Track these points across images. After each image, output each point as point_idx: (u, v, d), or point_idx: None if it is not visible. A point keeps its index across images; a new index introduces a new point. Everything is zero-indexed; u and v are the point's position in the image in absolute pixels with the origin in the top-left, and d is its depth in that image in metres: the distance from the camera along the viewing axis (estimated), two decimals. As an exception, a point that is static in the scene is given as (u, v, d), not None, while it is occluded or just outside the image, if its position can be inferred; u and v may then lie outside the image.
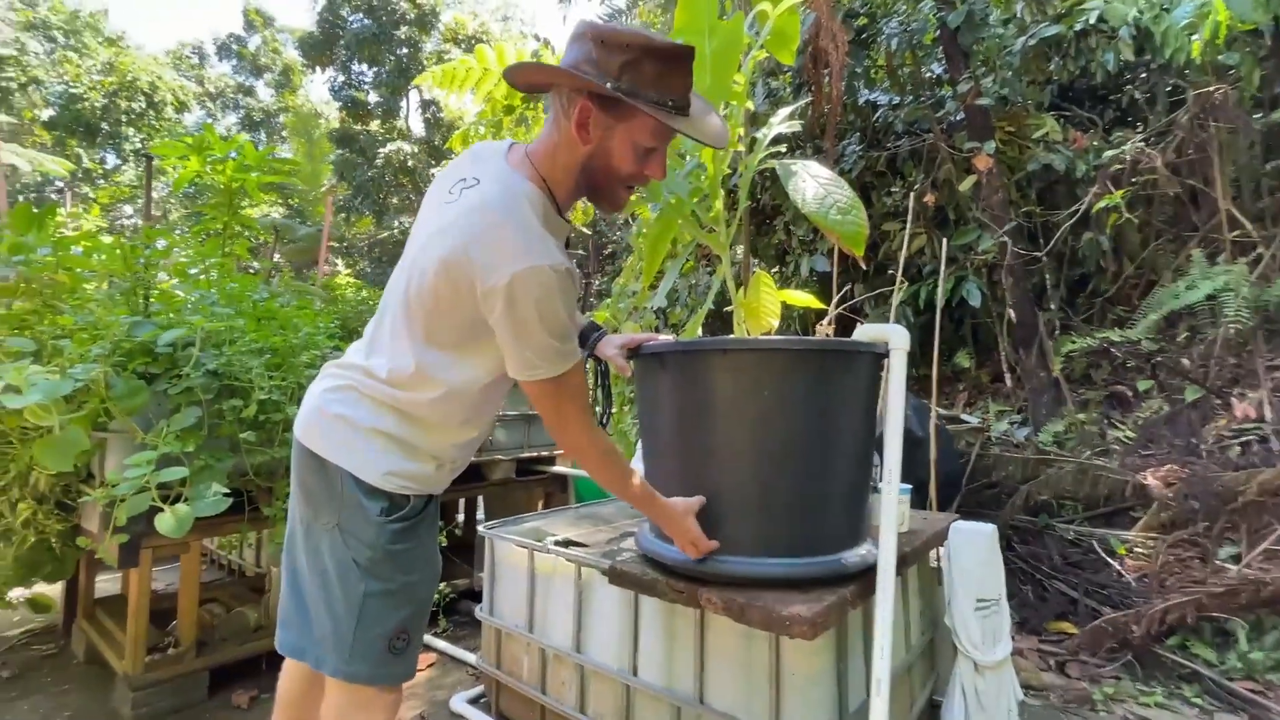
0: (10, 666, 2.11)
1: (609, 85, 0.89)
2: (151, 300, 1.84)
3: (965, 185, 3.93)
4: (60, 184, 15.63)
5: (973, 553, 1.64)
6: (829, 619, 1.06)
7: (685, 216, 1.10)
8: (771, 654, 1.20)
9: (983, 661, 1.60)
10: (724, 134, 1.02)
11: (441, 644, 2.24)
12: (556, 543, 1.64)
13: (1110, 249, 4.04)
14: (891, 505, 1.16)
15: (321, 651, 1.01)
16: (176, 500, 1.65)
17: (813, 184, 1.20)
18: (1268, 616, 2.23)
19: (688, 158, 1.11)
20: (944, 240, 2.59)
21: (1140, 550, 2.73)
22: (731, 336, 1.24)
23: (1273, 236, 3.61)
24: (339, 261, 13.77)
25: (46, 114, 15.55)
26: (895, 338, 1.20)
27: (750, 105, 1.16)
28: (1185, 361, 3.56)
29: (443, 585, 2.41)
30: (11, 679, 2.03)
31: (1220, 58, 3.57)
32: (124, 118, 15.77)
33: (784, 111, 1.16)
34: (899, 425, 1.19)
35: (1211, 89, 3.50)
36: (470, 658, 2.10)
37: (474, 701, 1.87)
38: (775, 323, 1.35)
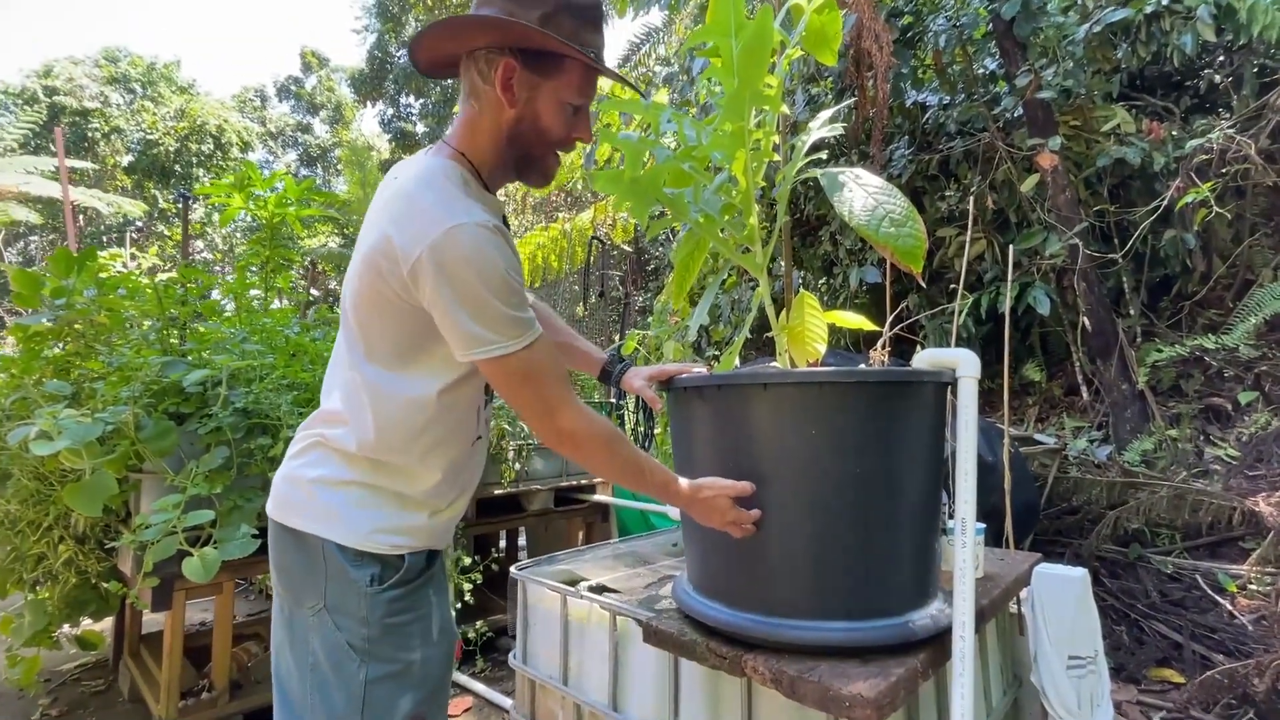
0: (60, 704, 2.13)
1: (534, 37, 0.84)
2: (186, 339, 1.84)
3: (1028, 185, 3.66)
4: (140, 223, 16.77)
5: (1062, 602, 1.43)
6: (896, 698, 0.90)
7: (715, 236, 0.98)
8: (831, 730, 1.05)
9: (1080, 730, 1.39)
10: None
11: (479, 686, 2.15)
12: (590, 588, 1.52)
13: (1198, 247, 3.68)
14: (967, 558, 1.00)
15: None
16: (207, 542, 1.62)
17: (861, 194, 1.07)
18: None
19: (717, 171, 0.99)
20: (1008, 245, 2.37)
21: (1255, 587, 2.41)
22: (772, 368, 1.11)
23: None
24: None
25: (126, 159, 16.76)
26: (964, 364, 1.05)
27: (787, 110, 1.03)
28: (1293, 369, 3.19)
29: (479, 623, 2.33)
30: (59, 717, 2.05)
31: (1318, 32, 3.22)
32: (194, 159, 16.83)
33: (824, 115, 1.03)
34: (972, 463, 1.03)
35: (1310, 66, 3.15)
36: (507, 703, 2.00)
37: (510, 754, 1.76)
38: (823, 348, 1.21)
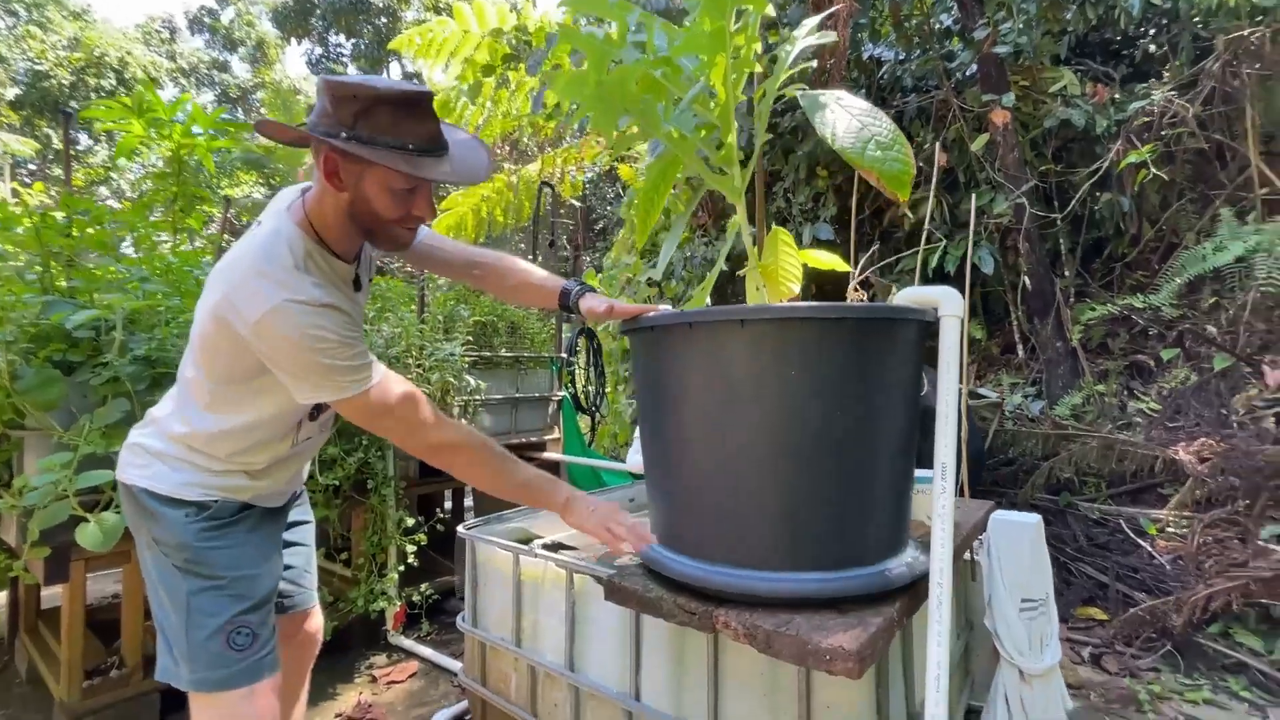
0: (-55, 688, 1.91)
1: (343, 135, 0.92)
2: (73, 277, 1.60)
3: (978, 144, 3.68)
4: (33, 165, 15.09)
5: (1017, 548, 1.45)
6: (876, 648, 0.86)
7: (689, 155, 0.87)
8: (802, 682, 1.01)
9: (1030, 669, 1.42)
10: (484, 171, 1.02)
11: (425, 650, 2.06)
12: (545, 546, 1.43)
13: (1131, 210, 3.82)
14: (947, 504, 0.96)
15: (173, 667, 1.03)
16: (107, 507, 1.43)
17: (844, 116, 0.98)
18: (1319, 601, 2.07)
19: (693, 83, 0.88)
20: (973, 201, 2.35)
21: (1173, 530, 2.57)
22: (750, 304, 1.02)
23: (1303, 194, 3.40)
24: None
25: (12, 93, 14.94)
26: (946, 301, 0.99)
27: (769, 9, 0.92)
28: (1211, 328, 3.37)
29: (425, 585, 2.22)
30: (-57, 704, 1.83)
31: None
32: (94, 95, 15.15)
33: (811, 21, 0.92)
34: (954, 406, 0.98)
35: (1246, 31, 3.25)
36: (455, 666, 1.92)
37: None
38: (797, 288, 1.13)
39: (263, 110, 17.45)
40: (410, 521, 2.09)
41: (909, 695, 1.15)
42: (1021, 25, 3.50)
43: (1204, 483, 2.52)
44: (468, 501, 3.39)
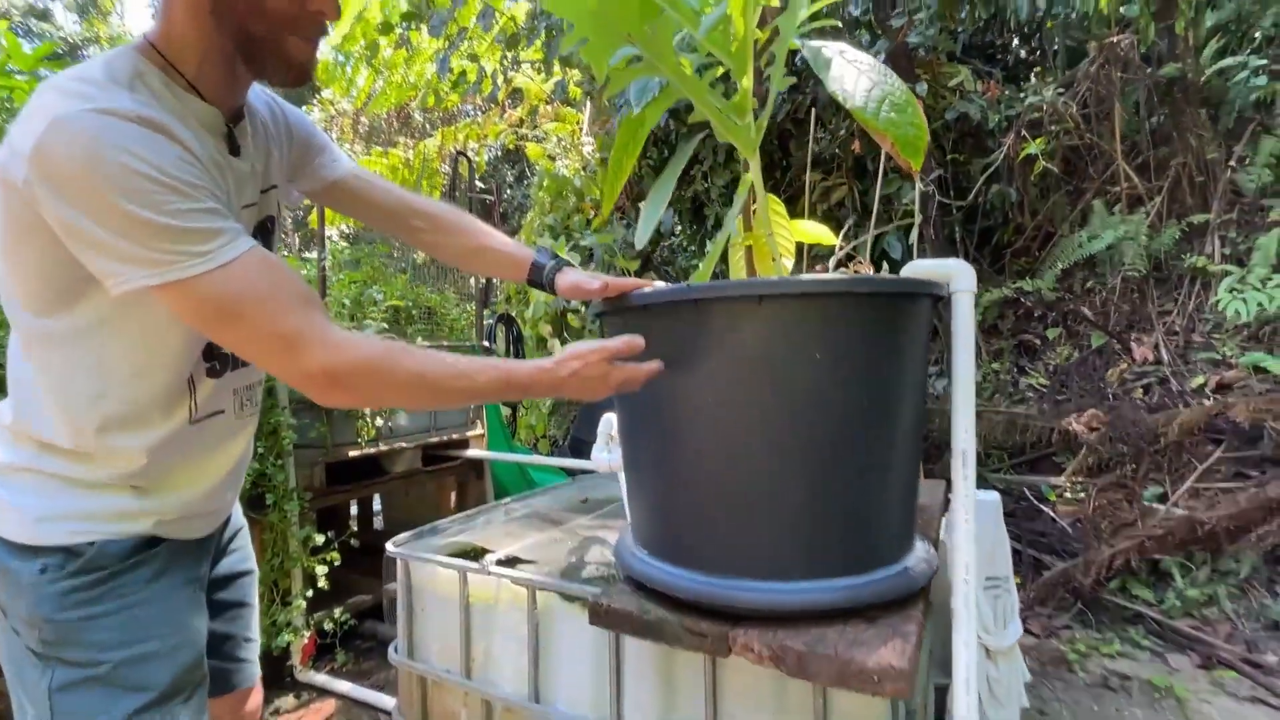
0: None
1: None
2: None
3: (887, 133, 3.80)
4: None
5: (982, 527, 1.45)
6: (919, 661, 0.78)
7: (702, 98, 0.72)
8: (817, 698, 0.91)
9: (996, 647, 1.43)
10: None
11: (343, 685, 1.79)
12: (499, 562, 1.25)
13: (1015, 201, 4.12)
14: (969, 493, 0.90)
15: None
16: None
17: (853, 71, 0.88)
18: (1197, 553, 2.30)
19: (707, 10, 0.73)
20: (866, 191, 2.38)
21: (1070, 495, 2.78)
22: (769, 277, 0.90)
23: (1156, 189, 3.81)
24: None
25: None
26: (959, 276, 0.92)
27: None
28: (1086, 310, 3.71)
29: (337, 610, 1.94)
30: None
31: (1122, 10, 3.65)
32: None
33: (830, -47, 0.80)
34: (970, 389, 0.92)
35: (1116, 39, 3.57)
36: (385, 701, 1.68)
37: (392, 763, 1.46)
38: (790, 264, 1.02)
39: (96, 68, 15.06)
40: (319, 539, 1.81)
41: (925, 700, 1.09)
42: (924, 20, 3.64)
43: (1095, 450, 2.75)
44: (376, 506, 3.06)
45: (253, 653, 1.00)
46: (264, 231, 0.85)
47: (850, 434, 0.83)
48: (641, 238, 0.95)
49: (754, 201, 0.92)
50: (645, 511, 1.00)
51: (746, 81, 0.78)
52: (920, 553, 0.95)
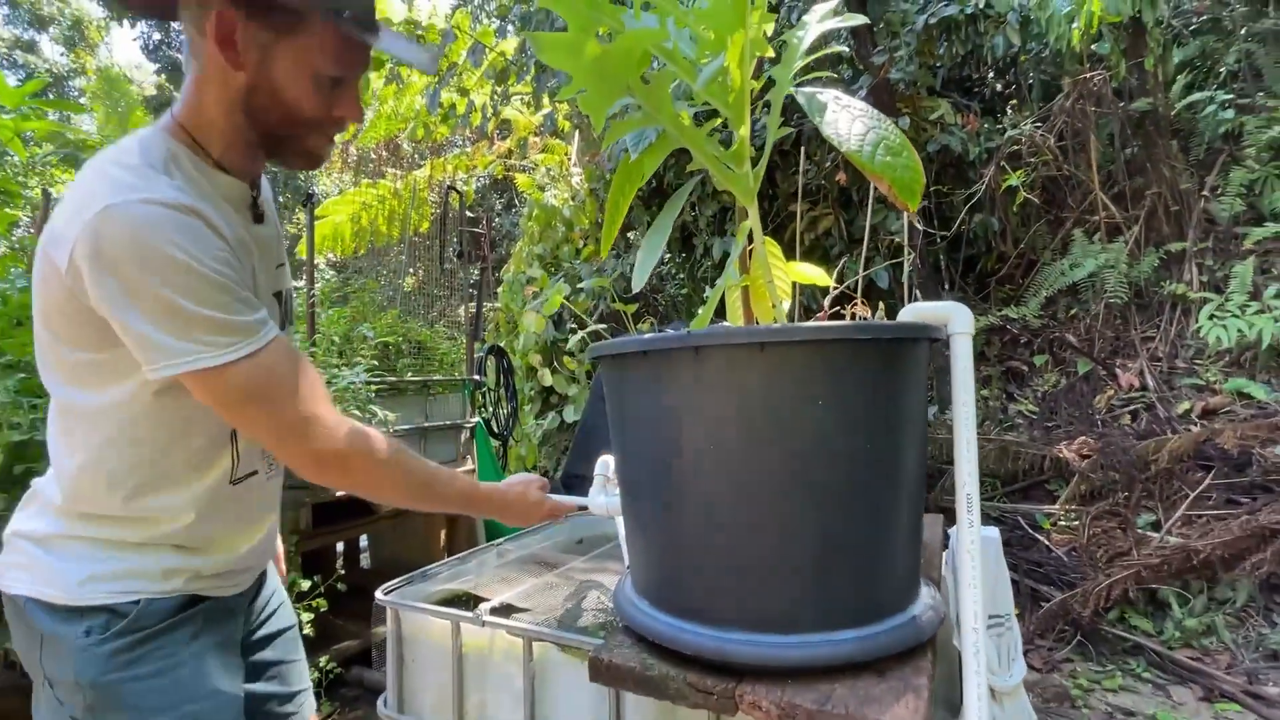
0: None
1: None
2: None
3: (871, 165, 3.88)
4: None
5: (983, 563, 1.43)
6: (931, 717, 0.75)
7: (700, 148, 0.73)
8: (826, 755, 0.88)
9: (1001, 687, 1.40)
10: (432, 59, 0.83)
11: (327, 740, 1.72)
12: (494, 610, 1.21)
13: (998, 230, 4.21)
14: (975, 538, 0.88)
15: None
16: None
17: (847, 116, 0.89)
18: (1194, 582, 2.30)
19: (703, 61, 0.74)
20: (851, 221, 2.41)
21: (1064, 523, 2.78)
22: (774, 325, 0.90)
23: (1134, 218, 3.91)
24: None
25: None
26: (957, 318, 0.92)
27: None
28: (1070, 336, 3.76)
29: (323, 658, 1.87)
30: None
31: (1094, 47, 3.78)
32: None
33: (824, 6, 0.82)
34: (972, 432, 0.91)
35: (1089, 75, 3.69)
36: (368, 755, 1.61)
37: (380, 823, 1.39)
38: (787, 306, 1.02)
39: (83, 99, 15.04)
40: (305, 585, 1.75)
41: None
42: (907, 55, 3.74)
43: (1087, 478, 2.76)
44: (363, 542, 2.99)
45: (299, 704, 0.98)
46: (280, 301, 0.89)
47: (856, 479, 0.82)
48: (638, 282, 0.94)
49: (749, 245, 0.92)
50: (646, 561, 0.97)
51: (744, 130, 0.78)
52: (926, 599, 0.94)
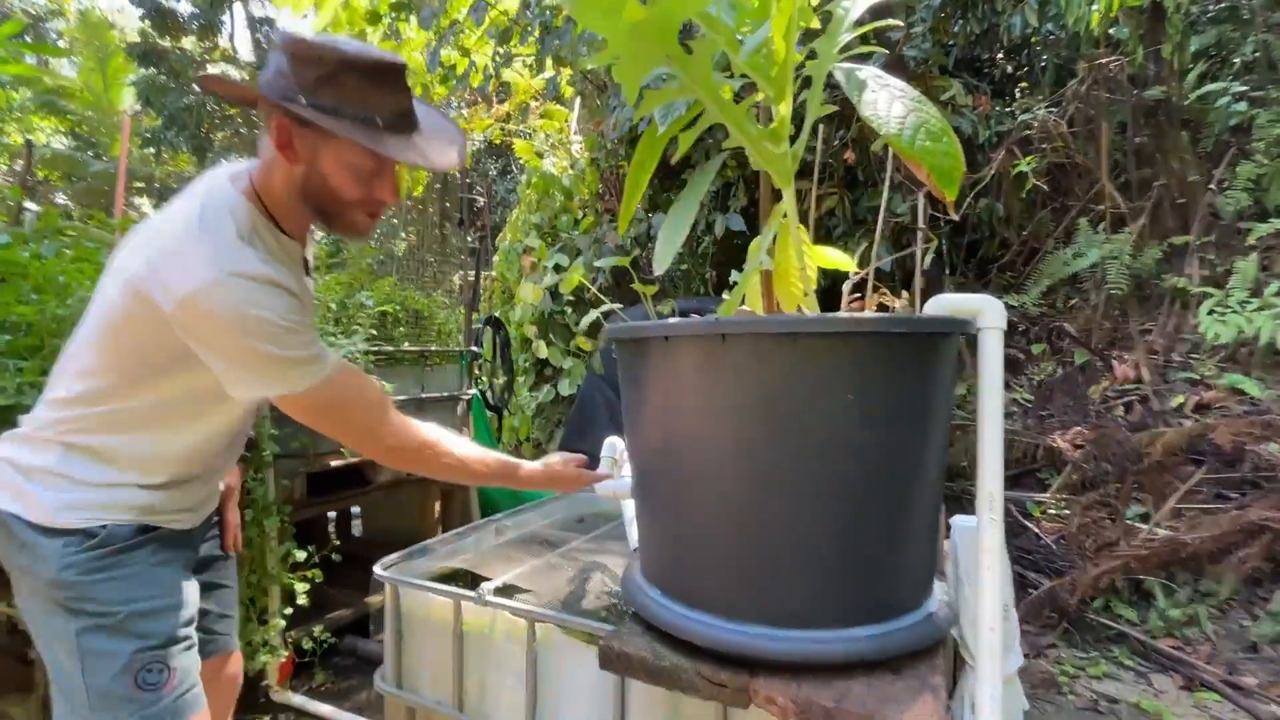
0: None
1: (301, 100, 0.84)
2: None
3: (878, 144, 3.81)
4: None
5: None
6: (948, 718, 0.75)
7: (739, 123, 0.68)
8: (835, 745, 0.88)
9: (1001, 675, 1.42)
10: (456, 157, 0.96)
11: (324, 708, 1.72)
12: (496, 590, 1.20)
13: (1003, 216, 4.17)
14: (996, 537, 0.87)
15: None
16: None
17: (887, 95, 0.85)
18: (1180, 574, 2.34)
19: (744, 31, 0.69)
20: (857, 201, 2.37)
21: (1054, 512, 2.81)
22: (805, 315, 0.86)
23: (1139, 209, 3.88)
24: (144, 203, 11.30)
25: None
26: (988, 312, 0.89)
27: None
28: (1069, 326, 3.76)
29: (316, 628, 1.86)
30: None
31: (1111, 31, 3.70)
32: None
33: (873, -27, 0.77)
34: (999, 430, 0.89)
35: (1106, 60, 3.62)
36: (365, 725, 1.61)
37: (375, 794, 1.40)
38: (812, 294, 0.99)
39: (61, 43, 14.39)
40: (300, 555, 1.73)
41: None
42: (920, 33, 3.65)
43: (1080, 468, 2.78)
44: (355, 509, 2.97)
45: (228, 627, 1.19)
46: None
47: (879, 474, 0.80)
48: (661, 263, 0.90)
49: (774, 229, 0.88)
50: (659, 548, 0.96)
51: (785, 107, 0.74)
52: (940, 595, 0.93)
